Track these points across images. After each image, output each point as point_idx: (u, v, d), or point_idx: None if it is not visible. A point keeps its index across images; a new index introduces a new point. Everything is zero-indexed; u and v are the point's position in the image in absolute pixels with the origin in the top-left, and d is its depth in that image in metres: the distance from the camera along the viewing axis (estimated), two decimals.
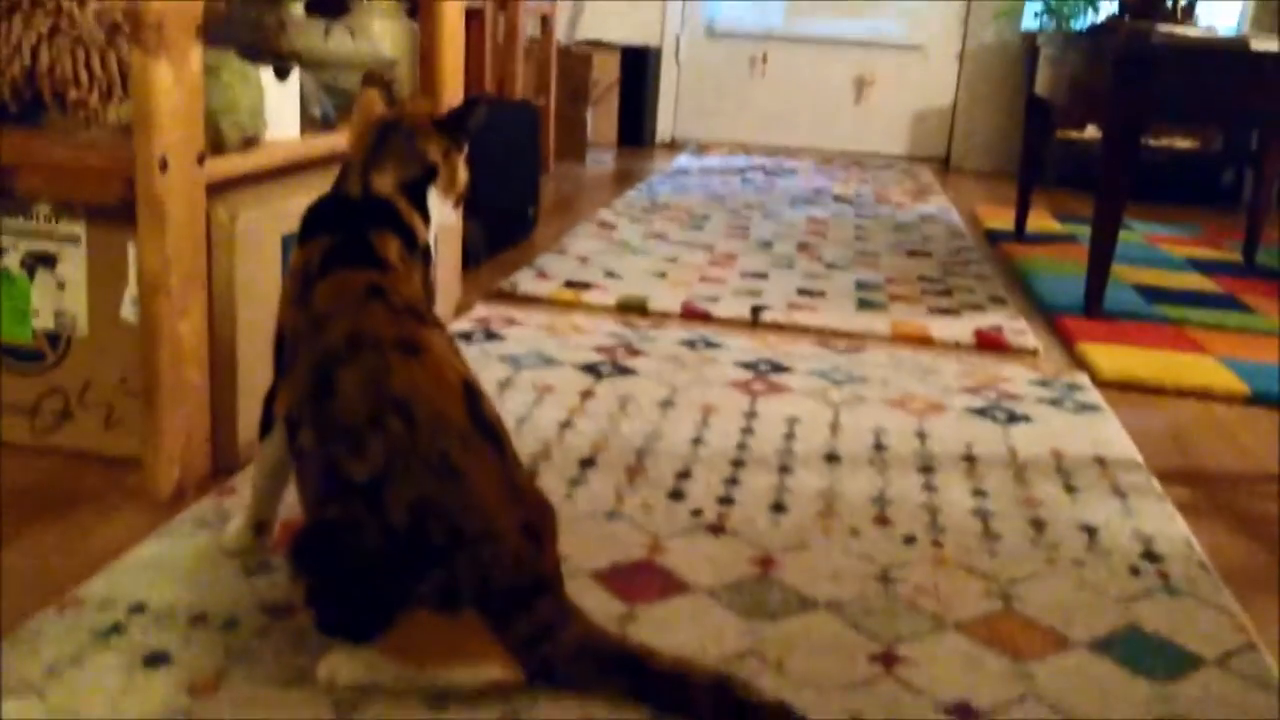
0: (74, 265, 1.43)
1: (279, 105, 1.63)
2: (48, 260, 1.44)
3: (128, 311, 1.42)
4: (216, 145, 1.46)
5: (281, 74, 1.63)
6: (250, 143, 1.53)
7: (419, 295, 1.11)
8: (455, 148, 1.21)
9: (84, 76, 1.40)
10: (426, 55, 2.15)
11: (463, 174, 1.23)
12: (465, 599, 0.97)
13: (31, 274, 1.44)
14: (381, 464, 0.97)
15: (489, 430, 1.02)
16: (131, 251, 1.38)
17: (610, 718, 0.98)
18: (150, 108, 1.27)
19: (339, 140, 1.79)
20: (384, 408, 0.99)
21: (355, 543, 0.97)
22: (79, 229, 1.42)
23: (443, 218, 1.22)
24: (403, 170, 1.17)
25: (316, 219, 1.16)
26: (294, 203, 1.53)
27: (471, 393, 1.03)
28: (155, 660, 1.03)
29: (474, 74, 3.68)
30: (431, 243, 1.20)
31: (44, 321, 1.45)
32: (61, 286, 1.44)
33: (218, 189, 1.44)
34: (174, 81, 1.29)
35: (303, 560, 0.99)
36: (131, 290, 1.41)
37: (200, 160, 1.35)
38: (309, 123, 1.74)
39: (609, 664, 1.01)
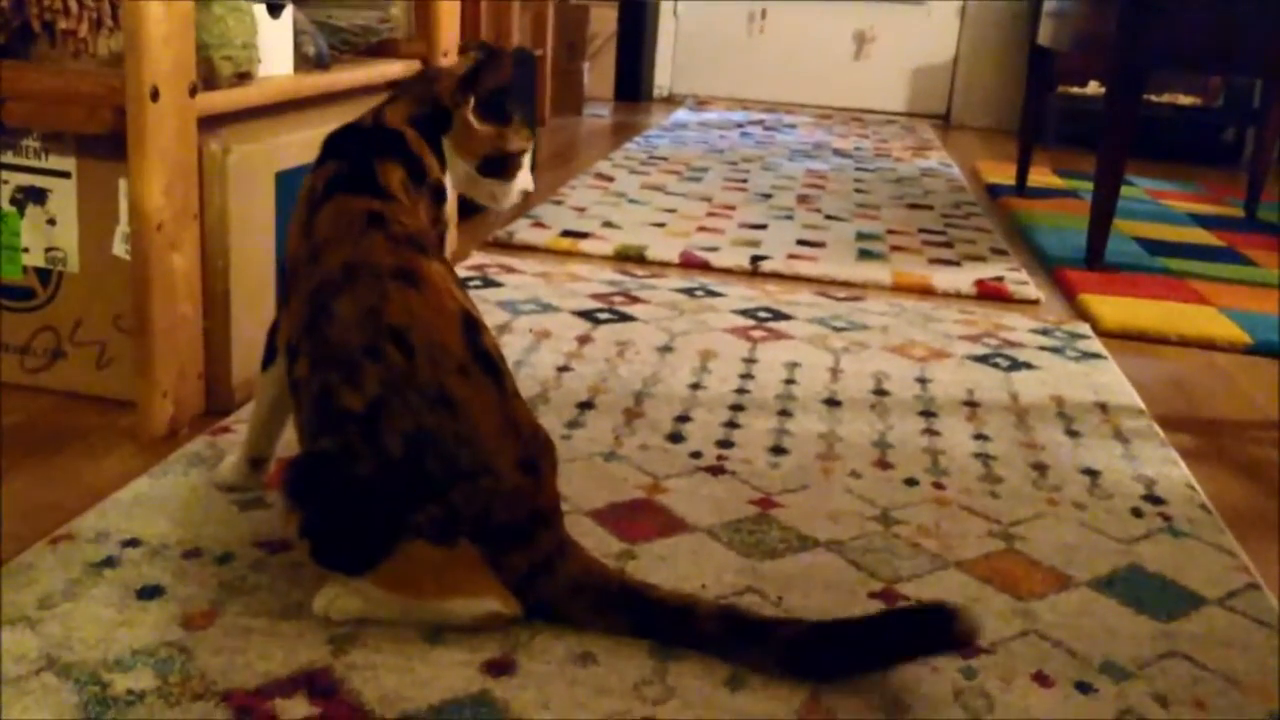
0: (65, 201, 1.40)
1: (272, 41, 1.60)
2: (38, 195, 1.41)
3: (119, 248, 1.39)
4: (209, 80, 1.43)
5: (275, 10, 1.60)
6: (243, 78, 1.50)
7: (423, 228, 1.09)
8: (463, 98, 1.14)
9: (74, 6, 1.37)
10: (422, 1, 2.12)
11: (481, 130, 1.15)
12: (462, 531, 0.96)
13: (22, 210, 1.42)
14: (377, 393, 0.96)
15: (488, 362, 1.00)
16: (123, 187, 1.36)
17: (608, 652, 0.97)
18: (141, 36, 1.24)
19: (334, 78, 1.76)
20: (381, 336, 0.97)
21: (350, 473, 0.96)
22: (69, 164, 1.39)
23: (459, 180, 1.17)
24: (415, 106, 1.14)
25: (328, 146, 1.13)
26: (287, 139, 1.50)
27: (470, 324, 1.01)
28: (149, 593, 1.01)
29: (470, 24, 3.63)
30: (449, 192, 1.16)
31: (34, 258, 1.43)
32: (52, 222, 1.42)
33: (211, 124, 1.41)
34: (165, 10, 1.26)
35: (297, 492, 0.98)
36: (123, 227, 1.38)
37: (192, 92, 1.33)
38: (303, 60, 1.71)
39: (610, 599, 1.00)
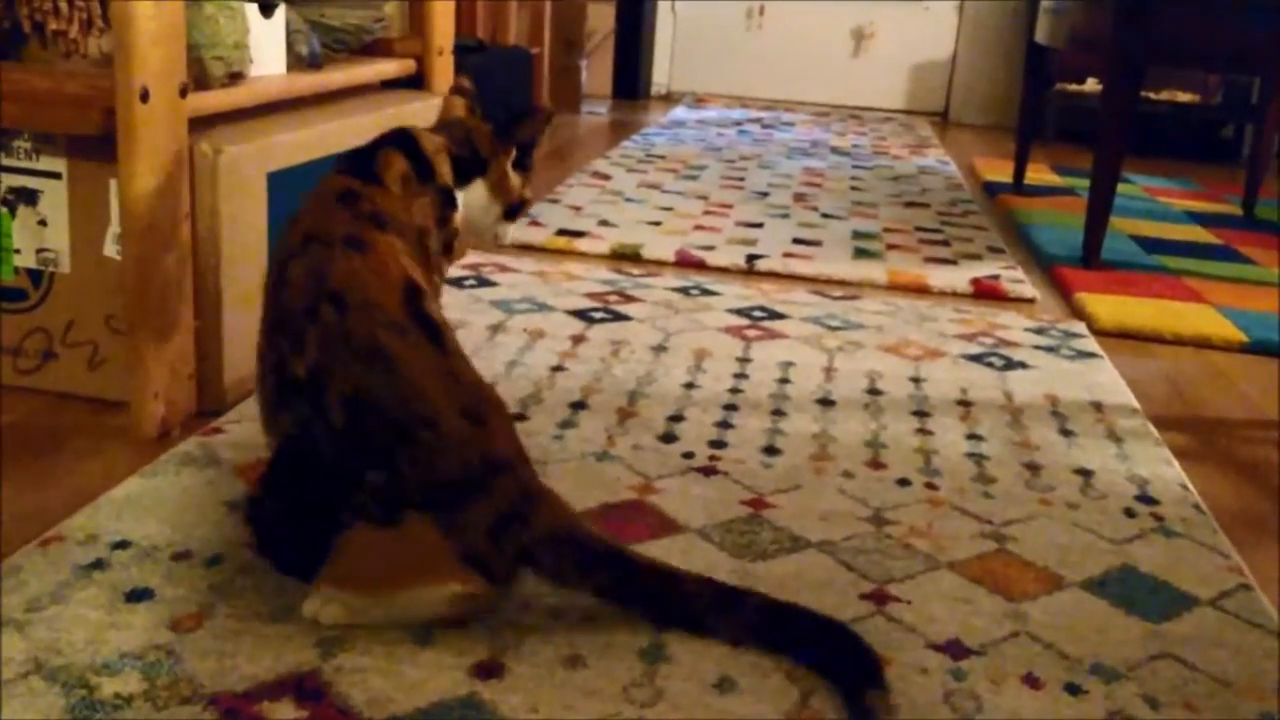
0: (56, 201, 1.40)
1: (264, 41, 1.60)
2: (29, 196, 1.41)
3: (110, 249, 1.39)
4: (200, 80, 1.43)
5: (267, 10, 1.60)
6: (235, 78, 1.50)
7: (408, 220, 1.09)
8: (503, 150, 1.25)
9: (64, 6, 1.37)
10: None
11: (513, 179, 1.27)
12: (408, 500, 0.94)
13: (13, 210, 1.42)
14: (316, 357, 0.96)
15: (428, 325, 0.99)
16: (114, 187, 1.35)
17: (597, 654, 0.97)
18: (130, 36, 1.24)
19: (327, 78, 1.76)
20: (320, 299, 0.98)
21: (308, 452, 0.96)
22: (60, 164, 1.39)
23: (493, 221, 1.27)
24: (451, 144, 1.21)
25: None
26: (280, 139, 1.50)
27: (413, 290, 1.01)
28: (138, 595, 1.01)
29: (466, 21, 3.62)
30: (458, 219, 1.22)
31: (26, 259, 1.43)
32: (43, 223, 1.41)
33: (202, 124, 1.41)
34: (154, 10, 1.25)
35: (255, 510, 0.99)
36: (114, 227, 1.38)
37: (182, 93, 1.32)
38: (296, 60, 1.71)
39: (593, 557, 0.98)
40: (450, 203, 1.19)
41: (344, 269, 0.99)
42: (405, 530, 0.94)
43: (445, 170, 1.19)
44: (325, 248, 1.01)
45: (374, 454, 0.94)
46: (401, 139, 1.16)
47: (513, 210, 1.28)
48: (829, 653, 0.96)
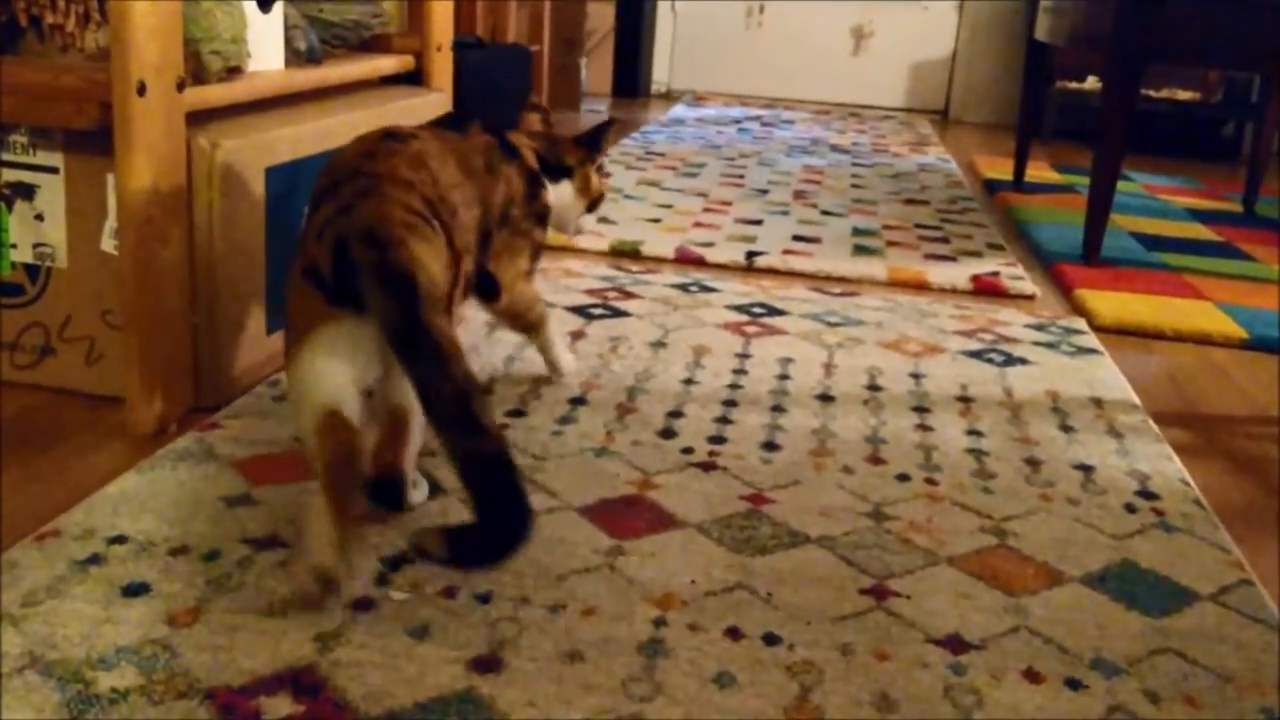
0: (53, 196, 1.40)
1: (262, 36, 1.59)
2: (26, 191, 1.40)
3: (108, 244, 1.39)
4: (198, 75, 1.42)
5: (265, 5, 1.59)
6: (233, 73, 1.50)
7: (463, 178, 1.20)
8: (590, 158, 1.53)
9: (61, 0, 1.37)
10: None
11: (596, 181, 1.54)
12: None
13: (10, 205, 1.41)
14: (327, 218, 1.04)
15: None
16: (111, 182, 1.35)
17: (595, 649, 0.97)
18: (126, 30, 1.23)
19: (325, 73, 1.76)
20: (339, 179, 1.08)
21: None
22: (57, 159, 1.38)
23: (576, 216, 1.55)
24: (539, 146, 1.47)
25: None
26: (277, 133, 1.50)
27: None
28: (134, 590, 1.01)
29: (465, 19, 3.62)
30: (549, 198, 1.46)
31: (23, 254, 1.43)
32: (40, 218, 1.41)
33: (200, 119, 1.41)
34: (151, 4, 1.25)
35: None
36: (111, 222, 1.38)
37: (180, 87, 1.32)
38: (294, 55, 1.70)
39: (391, 274, 0.96)
40: (537, 181, 1.42)
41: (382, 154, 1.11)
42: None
43: (531, 159, 1.42)
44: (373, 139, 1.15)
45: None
46: (489, 126, 1.37)
47: (593, 205, 1.56)
48: (489, 525, 0.92)
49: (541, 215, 1.43)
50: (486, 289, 1.36)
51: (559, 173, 1.47)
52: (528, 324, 1.52)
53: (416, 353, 0.93)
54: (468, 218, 1.18)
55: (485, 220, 1.25)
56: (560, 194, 1.48)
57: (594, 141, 1.52)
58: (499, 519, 0.92)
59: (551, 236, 2.06)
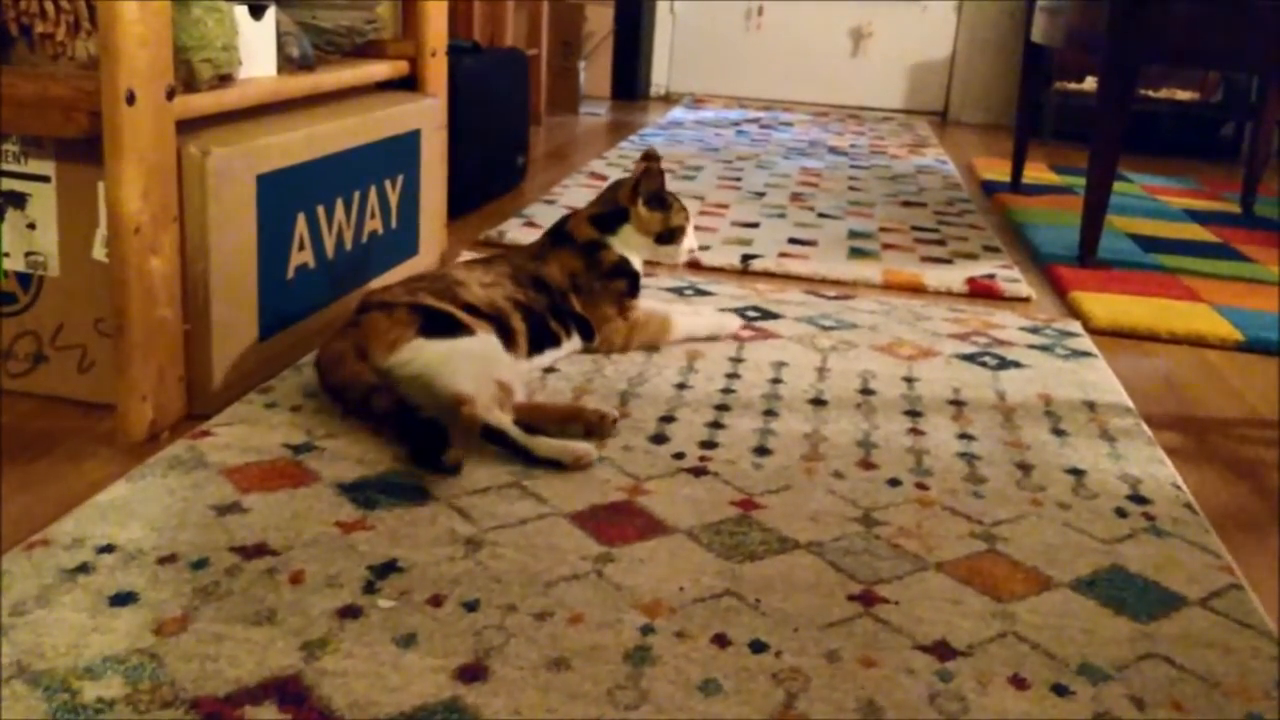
0: (45, 205, 1.40)
1: (254, 43, 1.59)
2: (18, 200, 1.41)
3: (99, 252, 1.39)
4: (189, 82, 1.42)
5: (257, 11, 1.60)
6: (224, 80, 1.50)
7: (497, 278, 1.64)
8: (634, 199, 1.76)
9: (51, 9, 1.37)
10: (409, 0, 2.11)
11: (649, 216, 1.76)
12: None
13: (1, 214, 1.41)
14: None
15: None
16: (102, 190, 1.35)
17: (581, 657, 0.97)
18: (115, 39, 1.24)
19: (318, 79, 1.76)
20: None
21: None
22: (49, 168, 1.39)
23: (649, 250, 1.79)
24: (598, 208, 1.79)
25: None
26: (268, 141, 1.50)
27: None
28: (122, 599, 1.01)
29: (462, 23, 3.62)
30: (636, 261, 1.78)
31: (14, 263, 1.43)
32: (32, 226, 1.41)
33: (191, 127, 1.41)
34: (140, 12, 1.25)
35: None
36: (103, 230, 1.38)
37: (170, 95, 1.32)
38: (286, 61, 1.70)
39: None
40: (593, 249, 1.73)
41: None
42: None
43: (584, 233, 1.75)
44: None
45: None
46: (569, 240, 1.75)
47: (664, 238, 1.78)
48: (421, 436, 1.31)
49: (612, 270, 1.73)
50: (584, 333, 1.71)
51: (618, 219, 1.75)
52: (643, 343, 1.77)
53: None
54: (496, 294, 1.59)
55: (548, 293, 1.67)
56: (624, 239, 1.75)
57: (638, 181, 1.75)
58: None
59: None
